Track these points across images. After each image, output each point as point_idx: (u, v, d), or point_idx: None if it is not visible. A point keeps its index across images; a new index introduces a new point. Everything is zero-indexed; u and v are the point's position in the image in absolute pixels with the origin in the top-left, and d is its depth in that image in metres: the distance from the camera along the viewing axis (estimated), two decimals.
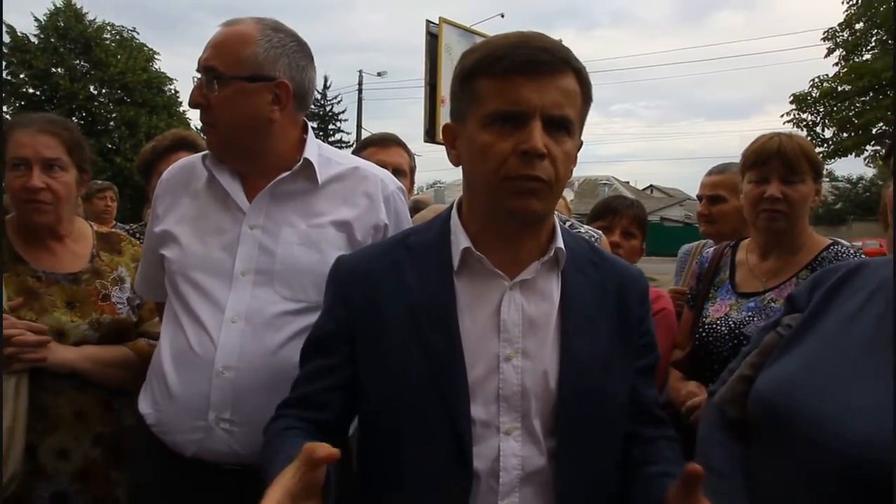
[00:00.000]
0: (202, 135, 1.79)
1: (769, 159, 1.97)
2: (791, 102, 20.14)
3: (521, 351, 1.17)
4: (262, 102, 1.57)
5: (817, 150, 19.23)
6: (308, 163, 1.61)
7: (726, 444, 1.34)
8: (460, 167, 1.22)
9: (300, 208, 1.60)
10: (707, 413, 1.47)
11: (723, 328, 2.01)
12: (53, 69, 24.01)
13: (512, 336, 1.17)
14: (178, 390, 1.52)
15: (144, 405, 1.60)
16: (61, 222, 1.90)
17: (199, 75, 1.57)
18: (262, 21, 1.60)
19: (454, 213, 1.25)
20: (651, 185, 56.70)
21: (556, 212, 2.41)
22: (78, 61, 24.74)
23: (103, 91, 25.28)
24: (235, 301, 1.52)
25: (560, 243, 1.22)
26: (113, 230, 2.20)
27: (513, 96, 1.09)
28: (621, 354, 1.25)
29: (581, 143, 1.21)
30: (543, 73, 1.09)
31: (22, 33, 23.65)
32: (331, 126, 42.92)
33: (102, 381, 1.83)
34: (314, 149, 1.65)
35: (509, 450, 1.14)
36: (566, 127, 1.13)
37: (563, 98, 1.11)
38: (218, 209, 1.61)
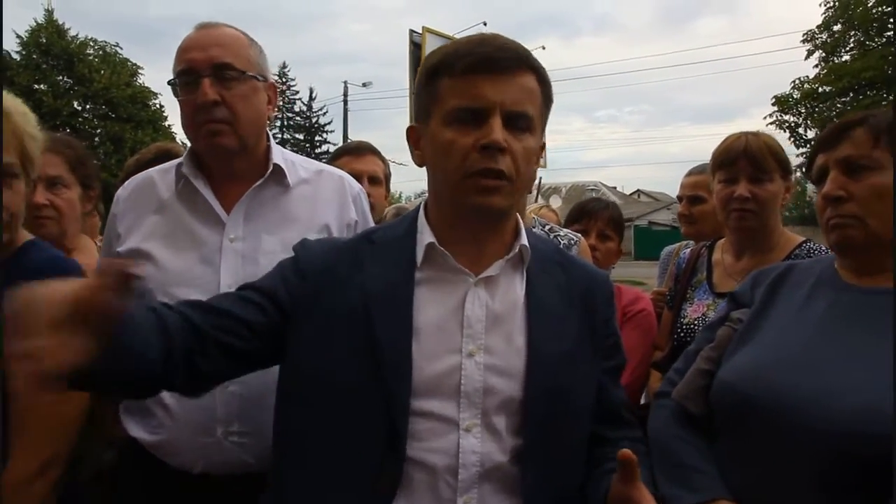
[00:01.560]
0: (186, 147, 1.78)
1: (737, 159, 1.99)
2: (773, 104, 20.33)
3: (483, 347, 1.17)
4: (264, 102, 1.62)
5: (800, 150, 19.60)
6: (278, 168, 1.62)
7: (691, 440, 1.35)
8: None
9: (275, 215, 1.61)
10: (660, 412, 1.45)
11: (700, 328, 2.02)
12: (36, 86, 23.86)
13: (475, 332, 1.17)
14: (181, 411, 1.49)
15: (138, 430, 1.56)
16: (66, 237, 1.93)
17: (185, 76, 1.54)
18: (235, 27, 1.63)
19: (421, 211, 1.26)
20: (638, 190, 56.88)
21: (535, 217, 2.45)
22: (61, 77, 24.61)
23: (87, 107, 25.16)
24: None
25: (524, 241, 1.24)
26: None
27: (473, 93, 1.12)
28: (588, 354, 1.25)
29: (544, 144, 1.24)
30: (502, 71, 1.13)
31: (4, 50, 23.52)
32: (317, 137, 42.97)
33: None
34: (279, 154, 1.66)
35: (468, 446, 1.14)
36: (526, 123, 1.15)
37: (523, 95, 1.14)
38: (193, 221, 1.59)
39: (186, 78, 1.54)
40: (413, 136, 1.26)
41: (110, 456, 1.78)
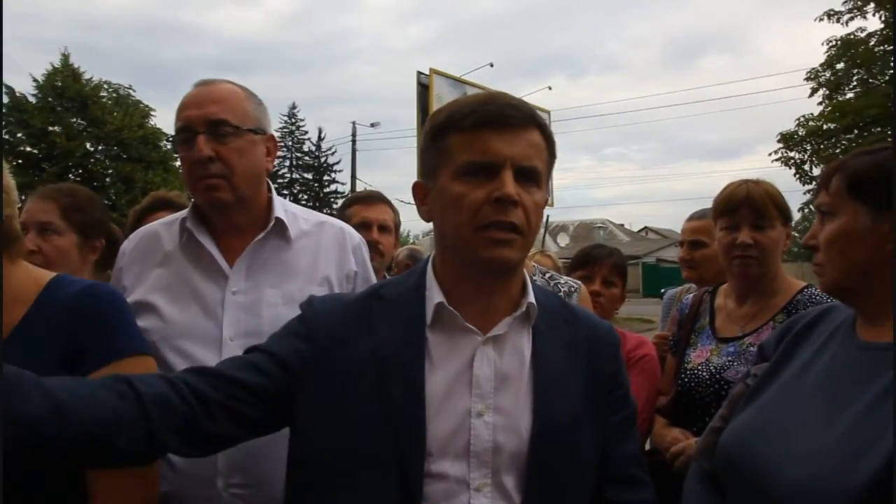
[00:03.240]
0: (188, 195, 1.82)
1: (738, 207, 2.01)
2: (778, 141, 20.41)
3: (493, 407, 1.17)
4: (262, 154, 1.65)
5: (805, 188, 19.55)
6: (279, 221, 1.64)
7: (704, 496, 1.35)
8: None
9: (278, 268, 1.63)
10: (691, 467, 1.48)
11: (704, 373, 2.03)
12: (50, 127, 24.31)
13: (484, 391, 1.17)
14: (183, 463, 1.48)
15: None
16: None
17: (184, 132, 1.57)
18: (234, 82, 1.67)
19: (429, 267, 1.26)
20: (646, 227, 56.92)
21: (535, 265, 2.46)
22: (75, 119, 25.07)
23: (100, 148, 25.56)
24: None
25: (531, 298, 1.24)
26: None
27: (483, 148, 1.13)
28: (592, 411, 1.25)
29: (547, 197, 1.25)
30: (511, 127, 1.15)
31: (20, 93, 24.04)
32: (325, 177, 43.30)
33: None
34: (280, 206, 1.69)
35: None
36: (535, 178, 1.17)
37: (532, 150, 1.16)
38: (196, 274, 1.61)
39: (184, 135, 1.58)
40: (420, 192, 1.26)
41: None
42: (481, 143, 1.13)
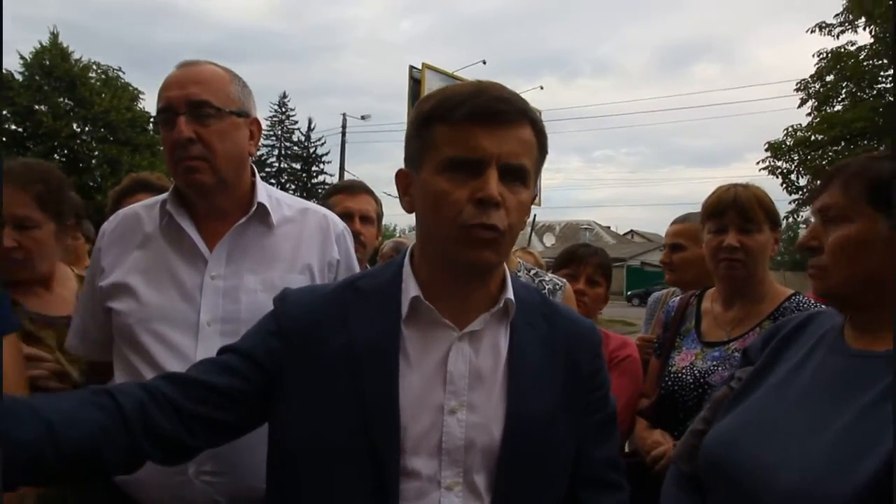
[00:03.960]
0: (170, 177, 1.77)
1: (726, 210, 2.01)
2: (766, 150, 20.58)
3: (466, 404, 1.14)
4: (245, 138, 1.62)
5: (792, 197, 19.75)
6: (262, 206, 1.61)
7: (682, 500, 1.34)
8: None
9: (259, 254, 1.60)
10: (669, 469, 1.48)
11: (688, 377, 2.01)
12: (36, 106, 23.99)
13: (458, 388, 1.14)
14: None
15: None
16: (41, 273, 1.88)
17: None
18: (218, 64, 1.63)
19: (406, 260, 1.23)
20: (632, 230, 57.23)
21: (520, 260, 2.45)
22: (62, 99, 24.75)
23: (86, 129, 25.26)
24: (204, 352, 1.49)
25: (510, 294, 1.21)
26: None
27: (469, 143, 1.08)
28: (569, 408, 1.22)
29: (535, 194, 1.21)
30: (501, 123, 1.09)
31: (7, 70, 23.68)
32: (314, 168, 43.18)
33: None
34: (264, 191, 1.66)
35: None
36: (522, 177, 1.12)
37: (520, 147, 1.11)
38: (175, 257, 1.58)
39: (164, 115, 1.54)
40: (402, 180, 1.22)
41: (82, 492, 1.74)
42: (467, 139, 1.08)
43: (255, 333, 1.22)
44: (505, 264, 1.25)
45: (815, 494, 1.02)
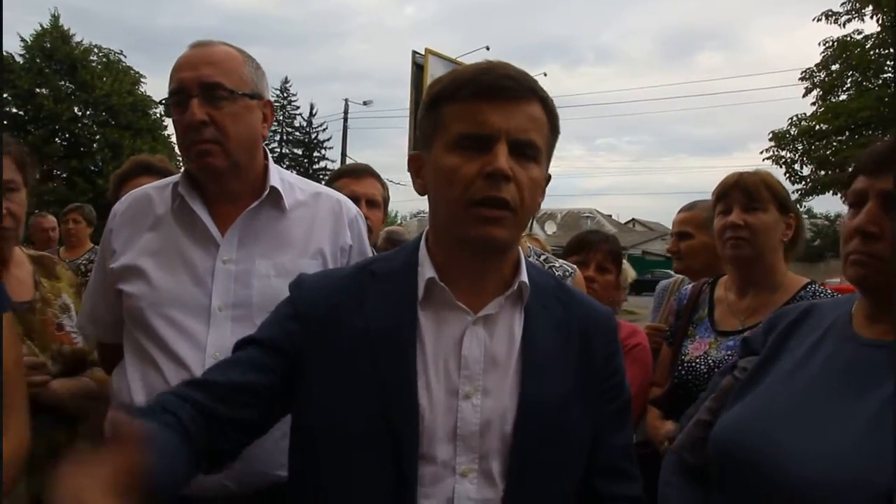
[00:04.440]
0: (180, 160, 1.75)
1: (730, 191, 2.02)
2: (770, 140, 20.48)
3: (481, 389, 1.13)
4: (258, 120, 1.59)
5: (796, 187, 19.66)
6: (275, 190, 1.59)
7: (685, 490, 1.33)
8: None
9: (271, 238, 1.58)
10: (667, 460, 1.46)
11: (702, 367, 1.99)
12: (38, 89, 23.89)
13: (473, 373, 1.13)
14: None
15: None
16: (13, 244, 1.80)
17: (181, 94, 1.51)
18: (231, 44, 1.60)
19: (422, 242, 1.22)
20: (633, 219, 57.20)
21: (530, 246, 2.43)
22: (63, 82, 24.65)
23: (87, 113, 25.19)
24: (216, 337, 1.48)
25: (524, 277, 1.19)
26: (44, 253, 2.10)
27: (478, 119, 1.08)
28: (583, 396, 1.20)
29: (549, 176, 1.20)
30: (508, 99, 1.09)
31: (7, 52, 23.58)
32: (315, 153, 43.08)
33: (76, 415, 1.75)
34: (276, 175, 1.63)
35: (464, 492, 1.10)
36: (533, 152, 1.11)
37: (529, 123, 1.10)
38: (187, 241, 1.56)
39: (177, 97, 1.51)
40: (415, 164, 1.22)
41: None
42: (476, 114, 1.08)
43: (273, 321, 1.21)
44: (520, 247, 1.23)
45: (858, 483, 1.00)
